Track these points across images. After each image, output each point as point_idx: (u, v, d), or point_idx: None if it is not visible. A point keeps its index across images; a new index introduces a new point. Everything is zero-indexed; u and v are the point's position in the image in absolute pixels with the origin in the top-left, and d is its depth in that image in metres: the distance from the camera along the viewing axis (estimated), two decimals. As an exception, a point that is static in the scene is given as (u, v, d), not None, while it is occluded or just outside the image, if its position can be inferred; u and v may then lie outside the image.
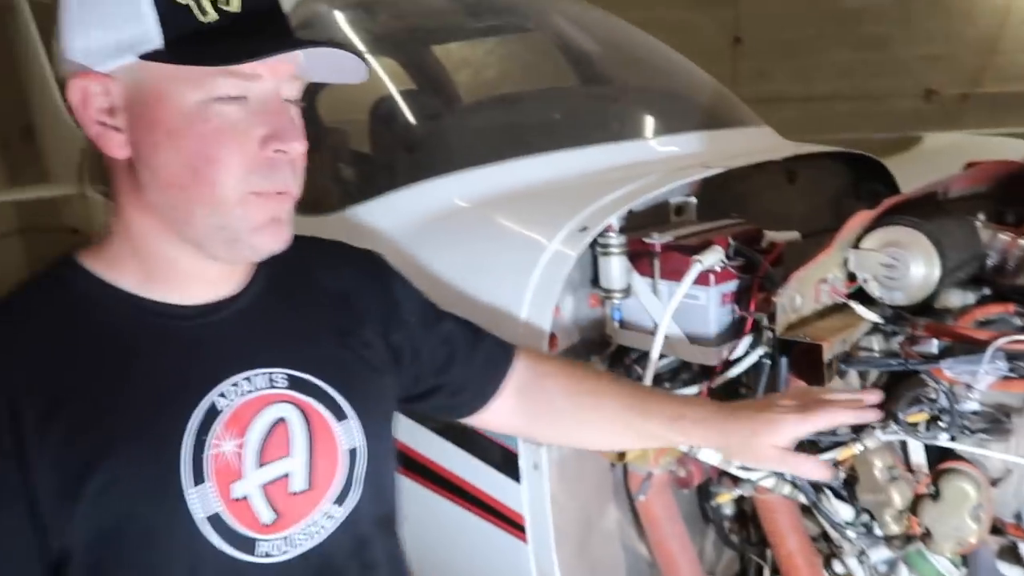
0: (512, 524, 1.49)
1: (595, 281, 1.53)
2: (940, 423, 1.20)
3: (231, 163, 0.81)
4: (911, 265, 1.32)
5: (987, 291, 1.42)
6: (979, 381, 1.15)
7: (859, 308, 1.33)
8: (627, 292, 1.50)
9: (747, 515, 1.58)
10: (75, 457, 0.81)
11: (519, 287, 1.44)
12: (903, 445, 1.27)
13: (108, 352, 0.85)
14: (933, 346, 1.30)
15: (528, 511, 1.46)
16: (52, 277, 0.90)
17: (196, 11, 0.79)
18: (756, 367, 1.40)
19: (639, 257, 1.49)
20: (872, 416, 1.15)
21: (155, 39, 0.79)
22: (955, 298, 1.43)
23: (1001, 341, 1.13)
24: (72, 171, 4.64)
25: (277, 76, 0.83)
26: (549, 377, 1.22)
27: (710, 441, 1.17)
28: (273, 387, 0.92)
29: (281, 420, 0.92)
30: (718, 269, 1.39)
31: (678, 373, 1.62)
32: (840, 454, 1.24)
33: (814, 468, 1.11)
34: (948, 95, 6.47)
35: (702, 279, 1.39)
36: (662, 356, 1.53)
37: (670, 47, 2.68)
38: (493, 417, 1.22)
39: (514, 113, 2.22)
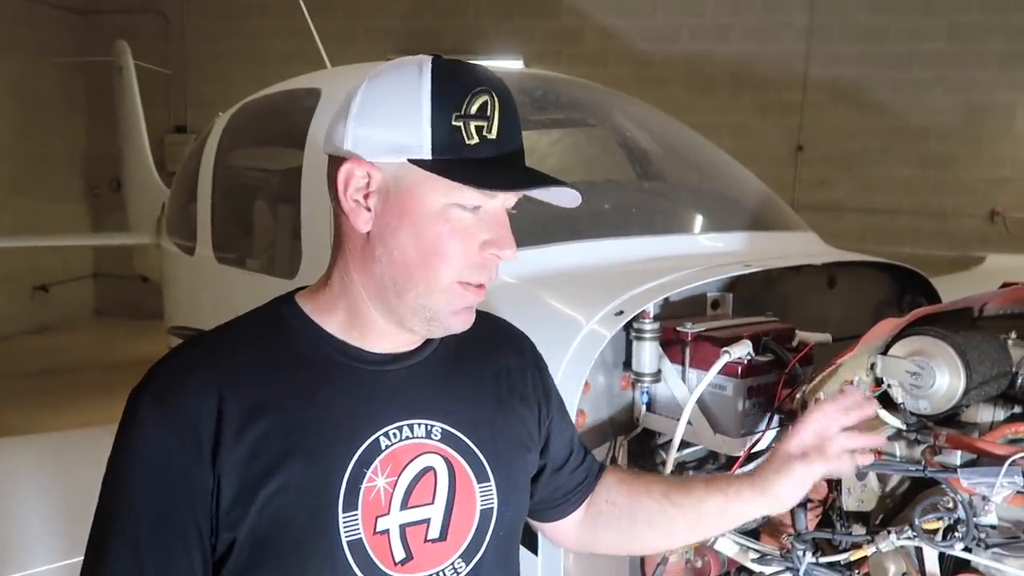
0: (526, 596, 1.51)
1: (627, 364, 1.59)
2: (956, 533, 1.21)
3: (454, 258, 0.95)
4: (936, 375, 1.34)
5: (1018, 409, 1.43)
6: (995, 494, 1.16)
7: (882, 412, 1.36)
8: (657, 377, 1.55)
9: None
10: (259, 464, 0.92)
11: (553, 362, 1.50)
12: (919, 552, 1.28)
13: (302, 378, 0.97)
14: (956, 457, 1.31)
15: (543, 584, 1.48)
16: (270, 309, 1.04)
17: (464, 134, 0.92)
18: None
19: (671, 344, 1.55)
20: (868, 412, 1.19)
21: (425, 150, 0.92)
22: (984, 413, 1.44)
23: (1017, 455, 1.15)
24: (150, 224, 4.93)
25: (507, 195, 0.97)
26: (604, 476, 1.27)
27: (755, 494, 1.14)
28: (429, 438, 1.01)
29: (430, 469, 1.01)
30: (746, 362, 1.43)
31: (704, 462, 1.65)
32: (854, 555, 1.25)
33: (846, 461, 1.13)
34: (1012, 217, 6.41)
35: (729, 370, 1.44)
36: (690, 444, 1.57)
37: (733, 150, 2.79)
38: (561, 527, 1.26)
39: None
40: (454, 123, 0.92)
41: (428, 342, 1.07)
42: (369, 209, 0.96)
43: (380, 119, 0.94)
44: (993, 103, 6.46)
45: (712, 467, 1.63)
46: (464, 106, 0.92)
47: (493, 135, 0.93)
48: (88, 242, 8.28)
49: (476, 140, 0.92)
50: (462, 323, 1.00)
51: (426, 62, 0.94)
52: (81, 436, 2.60)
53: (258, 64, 7.42)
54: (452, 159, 0.92)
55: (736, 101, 6.92)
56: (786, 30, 6.78)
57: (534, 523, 1.28)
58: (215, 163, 3.14)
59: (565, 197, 1.00)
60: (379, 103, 0.94)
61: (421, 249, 0.95)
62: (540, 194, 0.99)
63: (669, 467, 1.51)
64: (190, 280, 3.48)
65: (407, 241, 0.95)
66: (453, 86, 0.92)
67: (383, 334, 1.02)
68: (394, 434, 0.99)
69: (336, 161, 0.97)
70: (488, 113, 0.93)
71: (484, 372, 1.11)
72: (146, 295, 5.84)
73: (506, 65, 6.84)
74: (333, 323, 1.01)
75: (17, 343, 7.46)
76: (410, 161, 0.93)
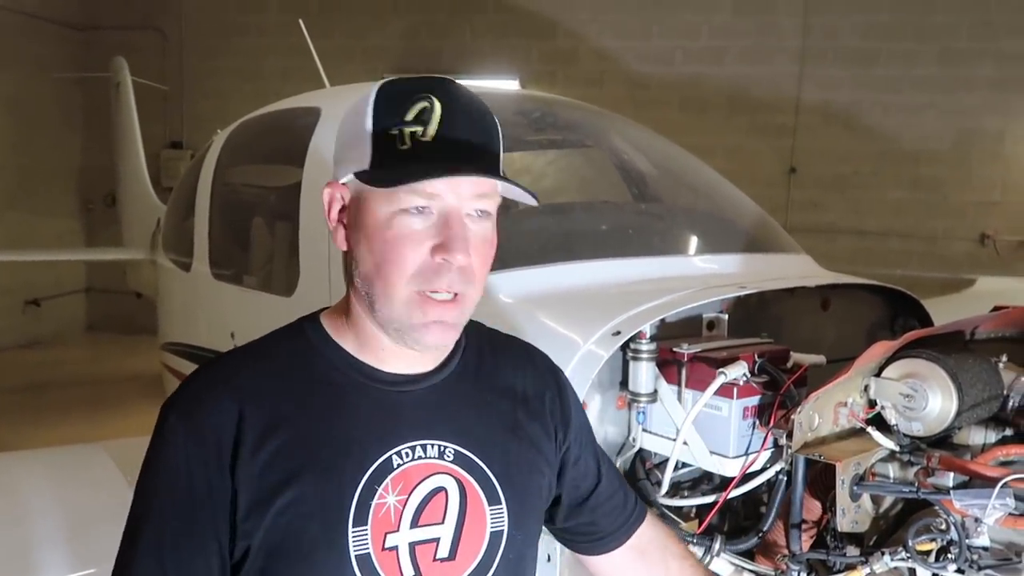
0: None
1: (624, 384, 1.60)
2: (949, 554, 1.22)
3: (403, 265, 0.95)
4: (929, 397, 1.36)
5: (1009, 432, 1.45)
6: (987, 515, 1.17)
7: (876, 434, 1.37)
8: (653, 397, 1.56)
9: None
10: (274, 476, 0.95)
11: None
12: (912, 573, 1.29)
13: (319, 396, 1.00)
14: (949, 479, 1.33)
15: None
16: (296, 327, 1.07)
17: (397, 141, 0.94)
18: (774, 482, 1.44)
19: (667, 365, 1.56)
20: None
21: (365, 162, 0.96)
22: (976, 435, 1.46)
23: (1009, 478, 1.16)
24: (145, 239, 4.93)
25: (458, 194, 0.95)
26: (676, 559, 1.27)
27: None
28: (442, 459, 1.02)
29: (441, 489, 1.02)
30: (741, 383, 1.45)
31: (699, 482, 1.66)
32: (848, 576, 1.26)
33: None
34: (1002, 241, 6.48)
35: (725, 391, 1.45)
36: (686, 464, 1.57)
37: (727, 172, 2.82)
38: (606, 566, 1.27)
39: (564, 221, 2.35)
40: (391, 132, 0.94)
41: (447, 363, 1.07)
42: (345, 227, 1.01)
43: (345, 140, 1.00)
44: (983, 128, 6.56)
45: (707, 487, 1.64)
46: (402, 115, 0.94)
47: (428, 138, 0.94)
48: (82, 257, 8.27)
49: (408, 145, 0.94)
50: (435, 337, 0.98)
51: (380, 82, 0.99)
52: (75, 452, 2.59)
53: (254, 81, 7.47)
54: (383, 167, 0.95)
55: (730, 123, 6.99)
56: (779, 54, 6.87)
57: (576, 554, 1.28)
58: (213, 179, 3.16)
59: (515, 192, 1.00)
60: (341, 127, 1.01)
61: (375, 260, 0.96)
62: (499, 188, 0.98)
63: (664, 487, 1.52)
64: (186, 296, 3.49)
65: (365, 253, 0.98)
66: (393, 99, 0.96)
67: (394, 354, 1.02)
68: (407, 453, 1.00)
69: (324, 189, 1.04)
70: (425, 118, 0.94)
71: (502, 395, 1.11)
72: (138, 310, 5.82)
73: (502, 85, 6.89)
74: (349, 342, 1.04)
75: (8, 357, 7.42)
76: (355, 175, 0.97)
